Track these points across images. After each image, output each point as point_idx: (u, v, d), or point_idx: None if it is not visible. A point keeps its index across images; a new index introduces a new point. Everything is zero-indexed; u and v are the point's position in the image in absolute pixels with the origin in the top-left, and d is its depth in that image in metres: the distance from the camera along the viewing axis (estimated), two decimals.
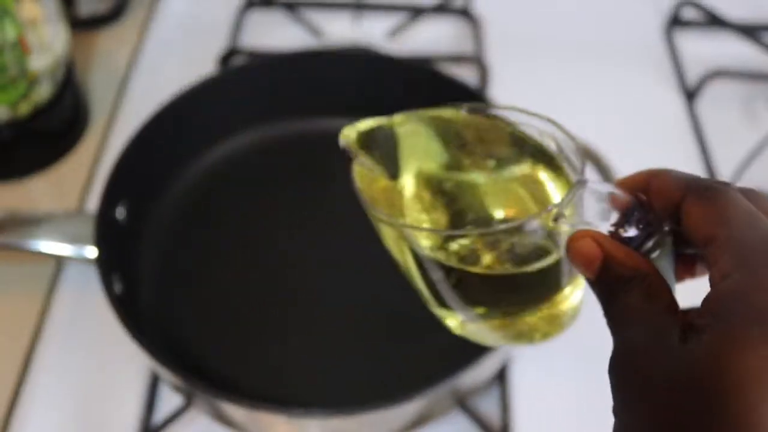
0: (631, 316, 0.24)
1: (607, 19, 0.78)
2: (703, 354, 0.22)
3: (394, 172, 0.32)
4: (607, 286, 0.25)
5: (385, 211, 0.31)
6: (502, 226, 0.28)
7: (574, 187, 0.26)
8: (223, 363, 0.51)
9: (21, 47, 0.56)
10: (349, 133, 0.31)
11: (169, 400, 0.51)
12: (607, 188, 0.26)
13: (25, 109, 0.59)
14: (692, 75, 0.72)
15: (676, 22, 0.77)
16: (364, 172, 0.31)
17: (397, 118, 0.32)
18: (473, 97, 0.58)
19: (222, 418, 0.47)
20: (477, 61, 0.70)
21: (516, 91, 0.67)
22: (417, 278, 0.32)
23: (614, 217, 0.25)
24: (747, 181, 0.63)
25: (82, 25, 0.74)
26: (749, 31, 0.73)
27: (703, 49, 0.75)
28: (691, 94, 0.71)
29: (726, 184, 0.25)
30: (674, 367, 0.22)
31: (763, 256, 0.22)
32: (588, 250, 0.25)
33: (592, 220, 0.26)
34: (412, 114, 0.32)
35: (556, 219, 0.26)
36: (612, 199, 0.26)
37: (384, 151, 0.32)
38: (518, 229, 0.27)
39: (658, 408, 0.22)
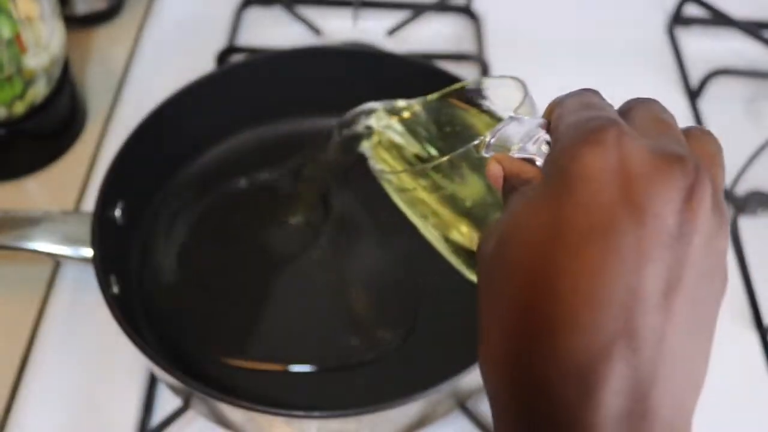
0: (509, 207, 0.27)
1: (610, 16, 0.78)
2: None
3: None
4: (508, 196, 0.28)
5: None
6: (441, 159, 0.32)
7: (502, 122, 0.30)
8: (221, 364, 0.51)
9: (17, 45, 0.56)
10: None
11: (167, 401, 0.51)
12: (530, 120, 0.29)
13: (20, 108, 0.59)
14: (695, 73, 0.72)
15: (678, 19, 0.76)
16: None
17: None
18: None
19: (220, 420, 0.47)
20: (478, 59, 0.70)
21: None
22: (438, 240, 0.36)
23: (533, 140, 0.29)
24: (750, 180, 0.62)
25: (78, 23, 0.73)
26: (753, 29, 0.73)
27: (707, 47, 0.74)
28: (694, 93, 0.70)
29: (571, 94, 0.28)
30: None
31: (570, 131, 0.25)
32: (493, 170, 0.29)
33: (512, 146, 0.29)
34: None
35: (487, 150, 0.30)
36: (539, 127, 0.29)
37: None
38: (460, 159, 0.31)
39: (515, 269, 0.25)
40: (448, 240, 0.36)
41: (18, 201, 0.61)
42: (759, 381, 0.54)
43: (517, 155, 0.29)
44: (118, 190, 0.53)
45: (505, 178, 0.28)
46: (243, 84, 0.61)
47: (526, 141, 0.29)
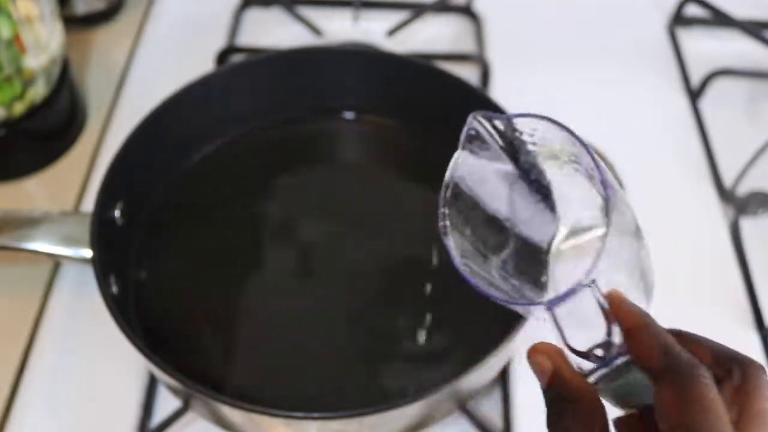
0: None
1: (610, 17, 0.78)
2: None
3: None
4: (552, 397, 0.27)
5: None
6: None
7: (573, 290, 0.26)
8: (220, 365, 0.51)
9: (16, 46, 0.55)
10: None
11: (167, 402, 0.51)
12: (601, 303, 0.26)
13: (20, 108, 0.59)
14: (696, 74, 0.72)
15: (679, 19, 0.76)
16: None
17: None
18: (473, 96, 0.58)
19: (220, 421, 0.47)
20: (478, 59, 0.70)
21: (517, 90, 0.66)
22: None
23: (594, 331, 0.26)
24: (751, 181, 0.62)
25: (78, 23, 0.73)
26: (754, 29, 0.73)
27: (707, 48, 0.74)
28: (694, 93, 0.70)
29: (698, 369, 0.25)
30: None
31: None
32: (542, 363, 0.28)
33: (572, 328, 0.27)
34: None
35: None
36: (603, 314, 0.27)
37: None
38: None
39: None
40: None
41: (18, 201, 0.61)
42: None
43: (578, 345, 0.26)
44: (118, 190, 0.53)
45: (555, 378, 0.27)
46: (243, 84, 0.61)
47: (592, 333, 0.26)
